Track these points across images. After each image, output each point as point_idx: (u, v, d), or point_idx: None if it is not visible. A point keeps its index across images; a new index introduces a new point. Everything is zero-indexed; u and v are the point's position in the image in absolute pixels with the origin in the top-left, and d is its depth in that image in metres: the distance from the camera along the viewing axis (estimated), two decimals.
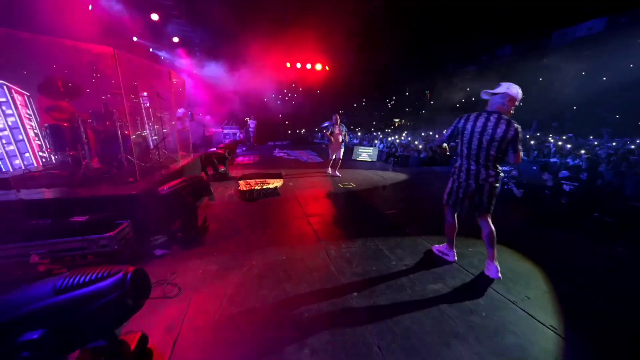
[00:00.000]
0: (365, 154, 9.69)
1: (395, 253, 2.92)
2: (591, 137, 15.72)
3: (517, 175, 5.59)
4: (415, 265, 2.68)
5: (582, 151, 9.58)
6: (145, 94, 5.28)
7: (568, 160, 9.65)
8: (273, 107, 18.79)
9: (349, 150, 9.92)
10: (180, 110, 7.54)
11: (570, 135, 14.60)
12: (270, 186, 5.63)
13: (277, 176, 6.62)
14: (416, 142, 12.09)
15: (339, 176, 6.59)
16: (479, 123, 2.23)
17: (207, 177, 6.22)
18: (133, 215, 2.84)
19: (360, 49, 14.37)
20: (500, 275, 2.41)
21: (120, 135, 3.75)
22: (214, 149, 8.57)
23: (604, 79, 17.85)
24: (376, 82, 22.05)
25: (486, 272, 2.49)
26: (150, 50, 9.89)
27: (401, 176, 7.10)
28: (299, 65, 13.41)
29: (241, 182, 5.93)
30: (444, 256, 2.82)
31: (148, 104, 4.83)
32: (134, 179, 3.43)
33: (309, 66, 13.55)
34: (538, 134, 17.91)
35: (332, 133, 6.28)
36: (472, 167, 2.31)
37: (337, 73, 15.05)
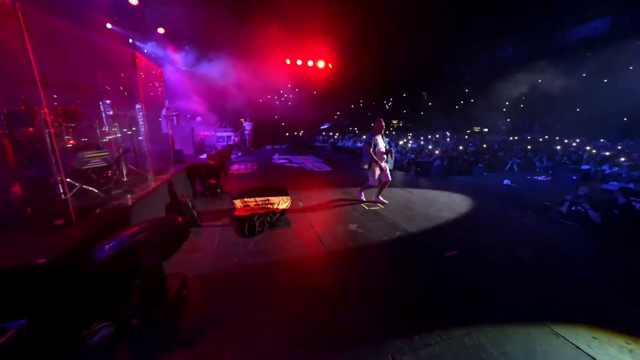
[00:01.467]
0: None
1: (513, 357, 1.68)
2: (602, 139, 15.32)
3: (589, 194, 4.44)
4: None
5: (622, 158, 8.61)
6: (109, 88, 3.92)
7: (604, 168, 8.65)
8: (271, 108, 17.50)
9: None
10: (164, 110, 6.20)
11: (604, 142, 13.86)
12: (276, 208, 4.34)
13: (282, 192, 5.31)
14: (430, 147, 10.99)
15: (385, 203, 4.79)
16: None
17: (196, 192, 4.90)
18: (40, 303, 1.53)
19: (367, 46, 13.21)
20: None
21: (53, 148, 2.41)
22: (203, 157, 7.24)
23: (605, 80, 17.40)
24: (381, 82, 20.94)
25: None
26: (130, 41, 8.50)
27: (433, 192, 5.88)
28: (299, 62, 12.17)
29: (237, 203, 4.60)
30: None
31: (109, 102, 3.50)
32: (66, 220, 2.11)
33: (310, 63, 12.32)
34: (544, 137, 17.24)
35: (375, 147, 4.39)
36: None
37: (342, 71, 13.85)
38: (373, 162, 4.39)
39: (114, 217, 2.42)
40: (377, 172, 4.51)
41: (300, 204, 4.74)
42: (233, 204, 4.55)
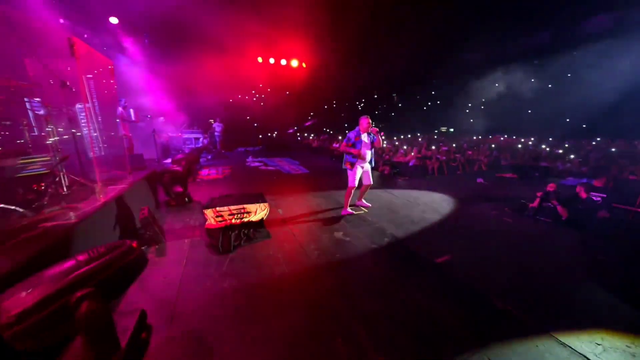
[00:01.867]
0: None
1: None
2: (550, 138, 17.04)
3: (557, 191, 4.67)
4: None
5: (572, 155, 9.49)
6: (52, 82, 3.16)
7: (558, 164, 9.45)
8: (242, 108, 16.73)
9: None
10: (120, 108, 5.44)
11: (552, 140, 15.32)
12: (254, 218, 3.94)
13: (258, 199, 4.90)
14: (405, 147, 11.20)
15: (368, 206, 4.66)
16: None
17: (160, 203, 4.29)
18: None
19: (341, 46, 13.14)
20: None
21: None
22: (168, 161, 6.52)
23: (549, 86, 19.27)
24: (354, 83, 21.13)
25: None
26: (85, 37, 7.38)
27: (413, 192, 5.87)
28: (272, 60, 11.71)
29: (209, 213, 4.12)
30: None
31: (38, 100, 2.80)
32: None
33: (283, 62, 11.93)
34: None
35: (358, 146, 4.07)
36: None
37: (316, 71, 13.64)
38: (356, 163, 4.13)
39: (42, 247, 1.88)
40: (359, 172, 4.27)
41: (280, 211, 4.38)
42: (204, 214, 4.06)
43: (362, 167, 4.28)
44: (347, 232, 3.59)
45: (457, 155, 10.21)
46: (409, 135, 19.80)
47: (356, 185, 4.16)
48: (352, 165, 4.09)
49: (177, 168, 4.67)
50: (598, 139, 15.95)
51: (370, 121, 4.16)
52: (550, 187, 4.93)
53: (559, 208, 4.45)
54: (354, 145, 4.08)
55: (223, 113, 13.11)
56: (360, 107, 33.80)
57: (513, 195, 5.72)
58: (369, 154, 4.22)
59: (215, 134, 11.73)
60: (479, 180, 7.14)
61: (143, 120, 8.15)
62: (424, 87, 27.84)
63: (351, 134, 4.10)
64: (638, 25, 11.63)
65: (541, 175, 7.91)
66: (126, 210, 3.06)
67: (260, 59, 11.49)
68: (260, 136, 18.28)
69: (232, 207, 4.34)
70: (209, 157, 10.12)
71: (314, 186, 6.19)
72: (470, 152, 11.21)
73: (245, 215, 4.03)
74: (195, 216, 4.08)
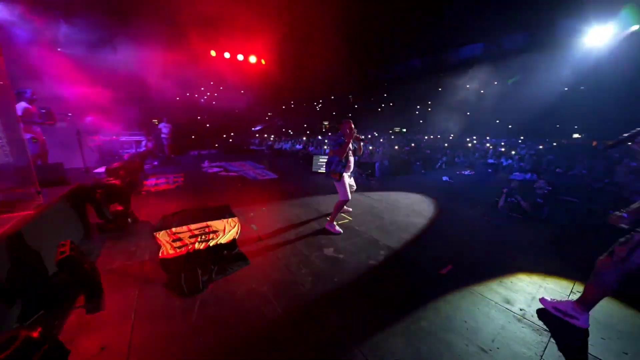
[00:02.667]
0: None
1: None
2: (487, 137, 19.46)
3: (520, 187, 4.99)
4: None
5: (513, 152, 10.68)
6: None
7: (502, 160, 10.53)
8: (193, 107, 15.02)
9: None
10: (25, 103, 4.07)
11: (490, 139, 17.10)
12: (223, 239, 3.22)
13: (225, 213, 4.15)
14: (371, 147, 11.27)
15: (349, 211, 4.42)
16: None
17: (91, 229, 3.23)
18: None
19: (302, 43, 12.66)
20: None
21: None
22: (101, 170, 5.21)
23: (482, 91, 21.87)
24: (312, 83, 20.86)
25: None
26: None
27: (389, 194, 5.72)
28: (227, 55, 10.63)
29: (163, 237, 3.26)
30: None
31: None
32: None
33: (240, 57, 10.94)
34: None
35: (347, 157, 3.58)
36: None
37: (275, 69, 12.89)
38: (343, 172, 3.56)
39: None
40: (347, 182, 3.72)
41: (254, 227, 3.72)
42: (155, 239, 3.20)
43: (349, 176, 3.87)
44: (338, 248, 3.14)
45: (419, 154, 10.65)
46: (369, 136, 20.34)
47: (349, 197, 3.66)
48: (340, 176, 3.53)
49: (113, 180, 3.64)
50: (522, 137, 18.61)
51: (353, 126, 3.75)
52: (514, 183, 5.26)
53: (522, 202, 4.75)
54: (346, 157, 3.54)
55: (170, 112, 11.49)
56: (319, 107, 33.93)
57: (477, 192, 6.00)
58: (352, 161, 3.80)
59: (162, 136, 10.16)
60: (445, 178, 7.43)
61: (63, 119, 6.48)
62: (377, 90, 29.11)
63: (340, 140, 3.53)
64: (546, 43, 13.79)
65: (493, 171, 8.65)
66: (30, 255, 2.09)
67: (213, 53, 10.31)
68: (217, 138, 16.69)
69: (193, 227, 3.56)
70: (155, 163, 8.65)
71: (286, 193, 5.61)
72: (428, 152, 11.85)
73: (211, 236, 3.31)
74: (144, 243, 3.18)
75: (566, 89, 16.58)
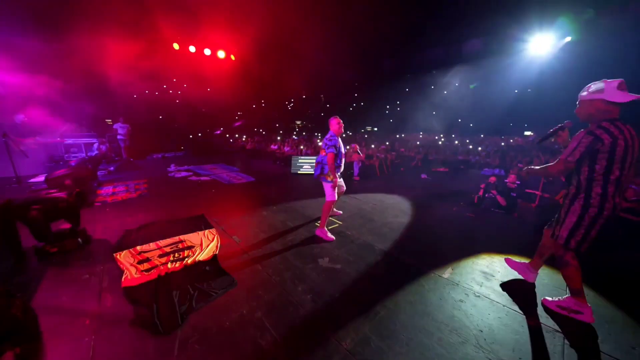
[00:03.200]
0: (309, 165, 7.73)
1: None
2: (452, 135, 20.67)
3: (497, 183, 5.19)
4: None
5: (480, 148, 11.38)
6: None
7: (470, 157, 11.14)
8: (155, 106, 13.68)
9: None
10: None
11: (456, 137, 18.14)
12: (202, 256, 2.78)
13: (201, 224, 3.67)
14: (348, 147, 11.20)
15: (339, 213, 4.24)
16: None
17: (24, 256, 2.57)
18: None
19: (274, 40, 12.17)
20: None
21: None
22: (38, 181, 4.32)
23: (445, 92, 23.19)
24: (284, 82, 20.35)
25: None
26: None
27: (373, 195, 5.62)
28: (193, 48, 9.78)
29: (125, 258, 2.72)
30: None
31: None
32: None
33: (208, 52, 10.15)
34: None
35: (339, 154, 3.35)
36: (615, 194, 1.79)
37: (246, 66, 12.23)
38: (338, 172, 3.40)
39: None
40: (339, 182, 3.59)
41: (236, 239, 3.31)
42: (116, 262, 2.67)
43: (339, 176, 3.64)
44: (333, 257, 2.89)
45: (393, 152, 10.83)
46: (344, 135, 20.44)
47: (336, 198, 3.45)
48: (333, 176, 3.29)
49: (56, 192, 2.97)
50: (482, 135, 20.07)
51: (341, 121, 3.53)
52: (491, 179, 5.47)
53: (498, 197, 4.94)
54: (337, 156, 3.30)
55: (128, 111, 10.29)
56: (290, 106, 33.43)
57: (455, 188, 6.18)
58: (343, 161, 3.58)
59: (119, 137, 9.03)
60: (423, 176, 7.57)
61: None
62: (348, 90, 29.47)
63: (333, 141, 3.26)
64: (497, 50, 15.03)
65: (465, 168, 9.07)
66: None
67: (176, 46, 9.40)
68: (185, 143, 15.44)
69: (162, 243, 3.07)
70: (111, 168, 7.62)
71: (267, 198, 5.21)
72: (403, 150, 12.14)
73: (186, 252, 2.86)
74: (100, 267, 2.62)
75: (516, 91, 18.26)
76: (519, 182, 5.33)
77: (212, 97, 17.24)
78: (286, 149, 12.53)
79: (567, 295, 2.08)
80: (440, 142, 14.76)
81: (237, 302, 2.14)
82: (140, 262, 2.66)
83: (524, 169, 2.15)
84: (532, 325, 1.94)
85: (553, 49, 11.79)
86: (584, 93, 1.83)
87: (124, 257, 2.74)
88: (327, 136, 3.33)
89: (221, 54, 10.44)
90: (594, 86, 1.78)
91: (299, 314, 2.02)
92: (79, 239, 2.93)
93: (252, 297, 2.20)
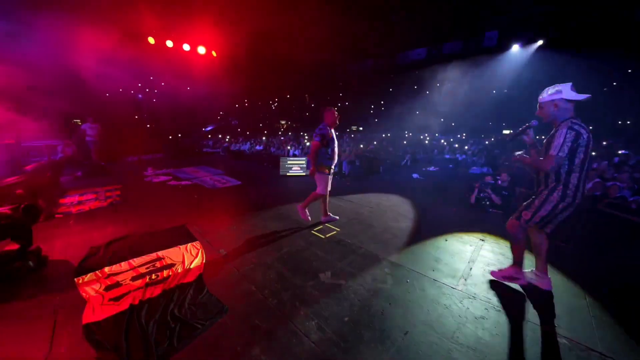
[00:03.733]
0: (298, 166, 7.38)
1: None
2: (436, 134, 21.09)
3: (492, 182, 5.12)
4: None
5: (466, 146, 11.52)
6: None
7: (457, 156, 11.27)
8: (129, 104, 12.75)
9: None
10: None
11: (439, 136, 18.41)
12: (184, 276, 2.38)
13: (182, 236, 3.23)
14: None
15: (336, 219, 3.89)
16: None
17: None
18: None
19: (257, 36, 11.67)
20: None
21: None
22: None
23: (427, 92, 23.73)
24: (268, 80, 19.83)
25: None
26: None
27: (368, 196, 5.39)
28: (170, 43, 9.12)
29: (88, 285, 2.26)
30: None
31: None
32: None
33: (187, 47, 9.51)
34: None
35: (330, 145, 3.40)
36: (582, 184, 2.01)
37: (228, 63, 11.64)
38: (331, 165, 3.43)
39: None
40: (330, 177, 3.54)
41: (222, 252, 2.93)
42: (77, 287, 2.22)
43: (334, 170, 3.59)
44: (336, 270, 2.59)
45: (383, 152, 10.72)
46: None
47: (327, 192, 3.48)
48: (330, 169, 3.39)
49: (2, 209, 2.45)
50: (464, 134, 20.59)
51: (337, 114, 3.41)
52: (487, 178, 5.41)
53: (493, 196, 4.88)
54: (328, 145, 3.24)
55: (99, 110, 9.43)
56: (274, 107, 32.83)
57: (447, 187, 6.07)
58: (336, 152, 3.54)
59: (88, 138, 8.21)
60: (415, 175, 7.47)
61: None
62: (332, 88, 29.33)
63: (323, 130, 3.26)
64: (475, 52, 15.51)
65: (454, 166, 9.10)
66: None
67: (151, 40, 8.70)
68: (164, 144, 14.50)
69: (137, 261, 2.63)
70: (79, 173, 6.86)
71: (256, 203, 4.83)
72: (391, 149, 12.08)
73: (166, 273, 2.46)
74: (57, 298, 2.16)
75: (494, 91, 18.92)
76: (510, 179, 5.31)
77: (193, 96, 16.40)
78: (272, 149, 12.09)
79: (509, 265, 2.41)
80: (426, 141, 14.89)
81: (229, 336, 1.78)
82: (108, 288, 2.22)
83: (516, 153, 2.27)
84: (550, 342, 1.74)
85: (527, 52, 12.73)
86: (544, 95, 2.08)
87: (87, 283, 2.29)
88: (319, 126, 3.35)
89: (201, 50, 9.84)
90: (552, 89, 2.05)
91: (305, 348, 1.70)
92: (30, 262, 2.43)
93: (247, 328, 1.85)
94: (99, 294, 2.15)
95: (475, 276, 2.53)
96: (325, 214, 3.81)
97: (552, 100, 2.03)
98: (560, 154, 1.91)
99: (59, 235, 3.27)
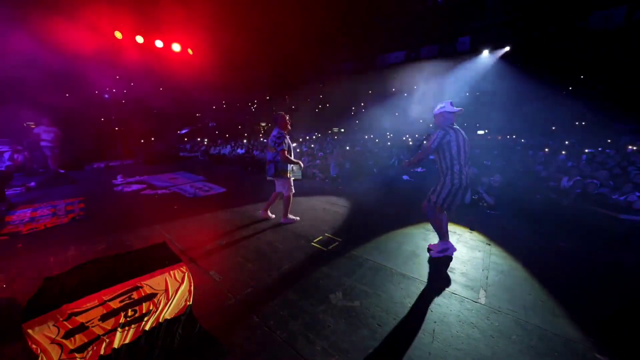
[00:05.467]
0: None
1: None
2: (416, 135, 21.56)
3: (486, 183, 5.13)
4: None
5: None
6: None
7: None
8: (92, 106, 11.59)
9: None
10: None
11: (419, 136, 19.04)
12: (168, 312, 1.97)
13: (162, 257, 2.77)
14: (328, 151, 10.70)
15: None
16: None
17: None
18: None
19: (232, 37, 11.13)
20: None
21: None
22: None
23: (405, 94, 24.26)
24: (247, 82, 19.18)
25: None
26: None
27: (369, 201, 5.17)
28: (140, 39, 8.36)
29: (39, 333, 1.78)
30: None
31: None
32: None
33: (160, 44, 8.79)
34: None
35: (289, 149, 3.58)
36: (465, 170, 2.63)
37: (205, 62, 10.96)
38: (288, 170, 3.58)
39: None
40: (291, 179, 3.70)
41: (214, 275, 2.53)
42: (26, 340, 1.73)
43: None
44: (347, 289, 2.31)
45: (369, 153, 10.64)
46: (313, 137, 19.97)
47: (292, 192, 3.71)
48: (290, 172, 3.59)
49: None
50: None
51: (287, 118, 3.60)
52: (483, 179, 5.41)
53: (485, 196, 4.89)
54: (290, 151, 3.51)
55: (56, 112, 8.39)
56: (253, 108, 32.00)
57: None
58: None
59: (42, 144, 7.23)
60: (405, 177, 7.40)
61: None
62: (313, 91, 29.16)
63: (282, 138, 3.38)
64: (450, 55, 16.18)
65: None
66: None
67: (119, 35, 7.90)
68: (135, 149, 13.36)
69: (108, 294, 2.18)
70: (32, 184, 5.97)
71: (245, 213, 4.41)
72: (377, 150, 12.06)
73: (145, 307, 2.03)
74: None
75: (467, 93, 19.79)
76: (499, 180, 5.36)
77: (167, 97, 15.35)
78: (255, 152, 11.58)
79: (438, 241, 2.91)
80: (410, 142, 15.12)
81: None
82: (68, 335, 1.75)
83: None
84: None
85: (495, 57, 13.71)
86: (436, 109, 2.74)
87: (40, 329, 1.80)
88: (275, 133, 3.43)
89: (176, 47, 9.16)
90: (440, 105, 2.72)
91: None
92: None
93: None
94: (55, 344, 1.68)
95: (493, 286, 2.37)
96: (285, 215, 3.85)
97: (441, 113, 2.69)
98: (432, 145, 2.61)
99: (1, 265, 2.67)
